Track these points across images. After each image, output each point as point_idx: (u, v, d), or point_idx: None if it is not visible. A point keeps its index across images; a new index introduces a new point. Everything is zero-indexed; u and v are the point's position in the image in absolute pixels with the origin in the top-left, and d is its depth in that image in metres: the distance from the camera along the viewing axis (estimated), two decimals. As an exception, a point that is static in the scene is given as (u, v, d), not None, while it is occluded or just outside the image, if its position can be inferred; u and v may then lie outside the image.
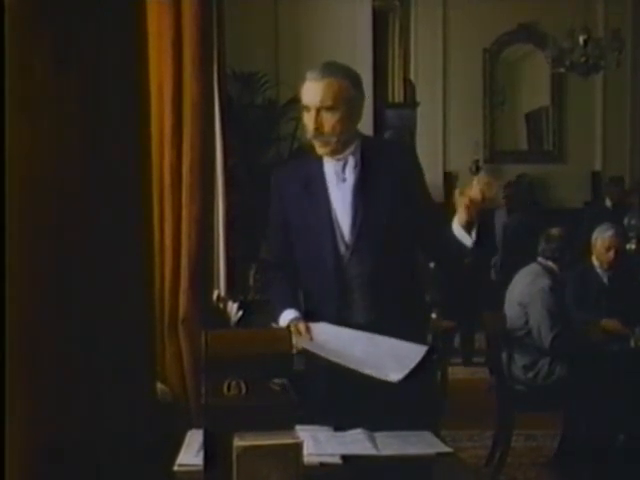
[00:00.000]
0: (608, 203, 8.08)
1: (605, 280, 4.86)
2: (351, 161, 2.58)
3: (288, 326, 2.53)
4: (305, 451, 1.70)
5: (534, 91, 10.00)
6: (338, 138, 2.54)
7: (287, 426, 1.73)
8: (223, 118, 3.35)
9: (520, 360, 4.39)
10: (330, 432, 2.17)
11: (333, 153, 2.57)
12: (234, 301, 3.62)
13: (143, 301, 1.65)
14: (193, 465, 1.87)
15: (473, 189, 2.43)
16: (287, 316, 2.57)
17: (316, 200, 2.60)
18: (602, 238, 4.82)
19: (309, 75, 2.54)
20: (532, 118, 10.08)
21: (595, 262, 4.87)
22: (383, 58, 8.66)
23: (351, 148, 2.58)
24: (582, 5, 8.13)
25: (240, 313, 3.52)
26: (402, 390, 2.46)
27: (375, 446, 2.07)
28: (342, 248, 2.58)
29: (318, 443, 2.05)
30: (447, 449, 2.07)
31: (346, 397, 2.48)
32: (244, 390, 1.90)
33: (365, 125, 4.27)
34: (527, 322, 4.39)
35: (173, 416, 2.45)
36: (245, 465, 1.63)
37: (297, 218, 2.64)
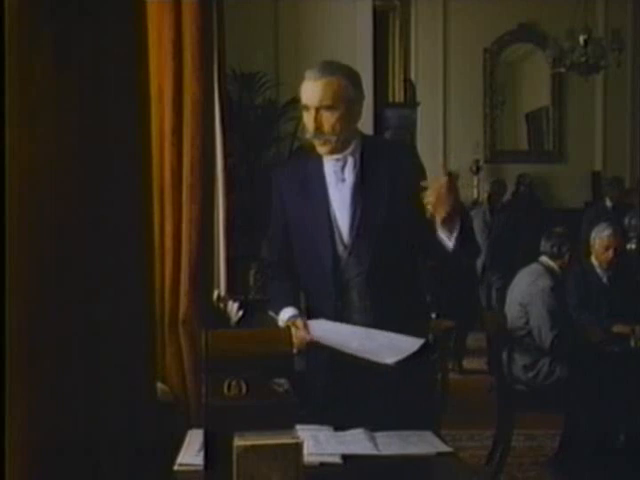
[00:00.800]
0: (608, 203, 8.08)
1: (605, 280, 4.86)
2: (350, 161, 2.58)
3: (288, 326, 2.54)
4: (305, 451, 1.70)
5: (534, 91, 10.02)
6: (338, 137, 2.54)
7: (287, 426, 1.73)
8: (223, 118, 3.35)
9: (520, 360, 4.39)
10: (330, 432, 2.17)
11: (333, 152, 2.57)
12: (234, 301, 3.61)
13: (143, 301, 1.65)
14: (193, 465, 1.87)
15: (429, 192, 2.39)
16: (286, 314, 2.58)
17: (315, 200, 2.60)
18: (600, 238, 4.82)
19: (308, 74, 2.54)
20: (532, 118, 10.09)
21: (594, 262, 4.87)
22: (383, 58, 8.66)
23: (350, 148, 2.58)
24: (582, 5, 8.13)
25: (240, 313, 3.51)
26: (402, 390, 2.46)
27: (375, 446, 2.07)
28: (340, 248, 2.58)
29: (318, 443, 2.05)
30: (447, 449, 2.07)
31: (346, 397, 2.48)
32: (244, 390, 1.90)
33: (365, 125, 4.26)
34: (527, 322, 4.39)
35: (173, 416, 2.45)
36: (245, 465, 1.63)
37: (296, 218, 2.65)
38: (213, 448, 1.74)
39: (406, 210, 2.50)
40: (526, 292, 4.44)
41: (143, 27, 1.66)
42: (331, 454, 1.98)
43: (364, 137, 2.66)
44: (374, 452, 2.03)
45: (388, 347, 2.40)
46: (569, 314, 4.50)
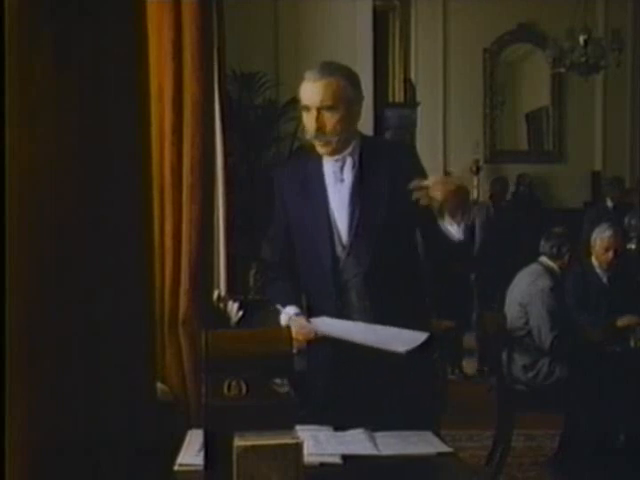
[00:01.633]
0: (608, 203, 8.07)
1: (605, 280, 4.86)
2: (349, 161, 2.58)
3: (288, 326, 2.54)
4: (305, 451, 1.70)
5: (534, 91, 10.02)
6: (339, 138, 2.54)
7: (287, 426, 1.73)
8: (223, 118, 3.34)
9: (520, 360, 4.39)
10: (330, 432, 2.17)
11: (333, 153, 2.57)
12: (234, 301, 3.61)
13: (143, 301, 1.65)
14: (193, 465, 1.87)
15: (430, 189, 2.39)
16: (288, 312, 2.58)
17: (314, 200, 2.61)
18: (601, 238, 4.82)
19: (308, 75, 2.54)
20: (532, 118, 10.09)
21: (594, 262, 4.87)
22: (383, 58, 8.66)
23: (350, 148, 2.58)
24: (582, 5, 8.13)
25: (240, 313, 3.51)
26: (402, 390, 2.46)
27: (375, 446, 2.07)
28: (339, 249, 2.58)
29: (318, 443, 2.05)
30: (447, 449, 2.07)
31: (346, 397, 2.48)
32: (244, 390, 1.90)
33: (365, 125, 4.27)
34: (527, 322, 4.39)
35: (173, 416, 2.45)
36: (245, 465, 1.63)
37: (297, 218, 2.65)
38: (213, 448, 1.74)
39: (406, 210, 2.51)
40: (526, 292, 4.44)
41: (143, 27, 1.66)
42: (331, 454, 1.98)
43: (363, 137, 2.66)
44: (374, 452, 2.03)
45: (396, 338, 2.40)
46: (569, 314, 4.50)
